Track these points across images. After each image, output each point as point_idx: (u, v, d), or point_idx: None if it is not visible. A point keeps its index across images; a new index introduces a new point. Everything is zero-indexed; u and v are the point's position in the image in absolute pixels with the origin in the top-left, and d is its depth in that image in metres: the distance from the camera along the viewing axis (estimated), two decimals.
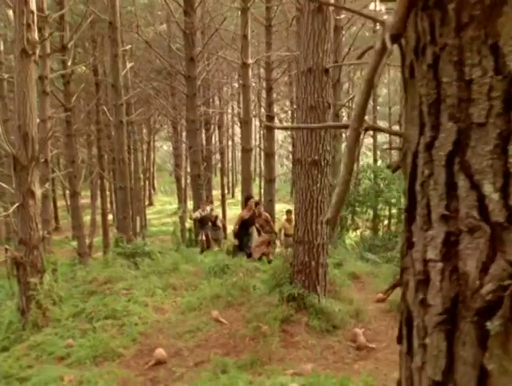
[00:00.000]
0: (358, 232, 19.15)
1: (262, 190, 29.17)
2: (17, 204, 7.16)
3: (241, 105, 14.54)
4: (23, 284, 7.29)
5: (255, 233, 10.86)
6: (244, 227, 10.45)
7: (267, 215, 11.30)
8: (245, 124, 13.21)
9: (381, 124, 34.74)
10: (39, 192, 7.75)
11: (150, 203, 43.39)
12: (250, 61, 12.46)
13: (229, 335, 6.08)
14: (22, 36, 6.65)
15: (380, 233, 20.71)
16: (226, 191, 38.70)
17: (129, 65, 14.88)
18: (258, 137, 52.93)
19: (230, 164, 51.05)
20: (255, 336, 5.95)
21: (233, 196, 46.69)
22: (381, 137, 36.56)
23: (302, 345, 5.64)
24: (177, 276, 8.85)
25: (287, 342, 5.67)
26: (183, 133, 37.99)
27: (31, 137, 6.95)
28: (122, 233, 12.78)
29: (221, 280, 8.14)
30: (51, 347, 6.14)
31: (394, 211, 21.10)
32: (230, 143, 47.25)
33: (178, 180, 32.34)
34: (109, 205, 32.25)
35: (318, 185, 6.25)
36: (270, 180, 18.20)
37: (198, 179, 17.56)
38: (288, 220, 11.54)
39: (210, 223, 12.88)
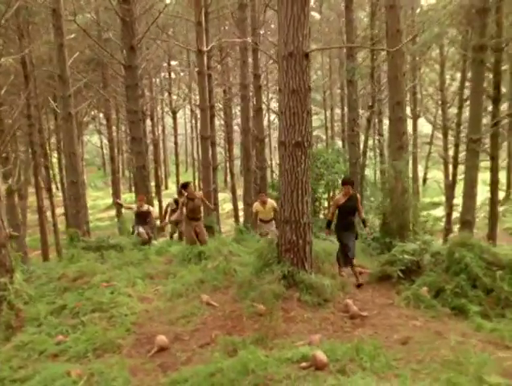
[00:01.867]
0: None
1: (201, 179, 29.16)
2: None
3: (198, 93, 14.43)
4: None
5: None
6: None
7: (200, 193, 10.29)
8: (203, 111, 13.17)
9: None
10: (2, 189, 7.42)
11: None
12: (205, 48, 12.43)
13: (224, 317, 6.19)
14: None
15: (321, 216, 21.44)
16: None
17: (75, 54, 14.26)
18: (189, 126, 52.57)
19: (163, 156, 50.27)
20: (251, 315, 6.10)
21: (166, 188, 46.18)
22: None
23: (299, 319, 5.87)
24: (150, 266, 8.81)
25: (284, 317, 5.87)
26: (121, 126, 37.15)
27: None
28: (76, 228, 12.40)
29: (200, 266, 8.21)
30: (41, 346, 5.95)
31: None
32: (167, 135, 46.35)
33: (114, 173, 31.52)
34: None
35: (302, 166, 6.47)
36: (213, 168, 18.33)
37: (143, 170, 17.32)
38: (262, 203, 10.84)
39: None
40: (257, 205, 11.09)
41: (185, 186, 9.44)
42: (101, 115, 38.53)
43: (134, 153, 17.57)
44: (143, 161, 17.26)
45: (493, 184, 18.13)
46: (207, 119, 13.48)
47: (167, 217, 12.62)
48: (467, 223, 13.02)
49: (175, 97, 38.48)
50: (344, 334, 5.46)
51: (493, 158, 18.27)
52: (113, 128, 30.12)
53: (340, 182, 20.43)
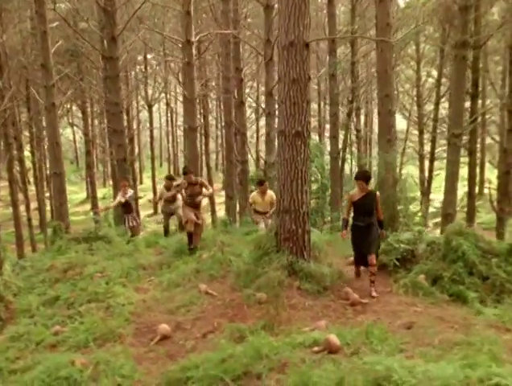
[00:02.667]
0: None
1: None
2: None
3: (185, 84, 14.28)
4: None
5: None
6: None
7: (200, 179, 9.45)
8: (190, 102, 13.06)
9: None
10: None
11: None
12: (194, 38, 12.32)
13: (224, 306, 6.18)
14: None
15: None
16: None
17: (58, 43, 13.94)
18: (163, 120, 52.10)
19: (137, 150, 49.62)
20: (252, 304, 6.11)
21: (141, 182, 45.67)
22: None
23: (300, 307, 5.90)
24: (142, 257, 8.71)
25: (286, 305, 5.90)
26: (95, 119, 36.48)
27: None
28: (60, 220, 12.18)
29: (194, 256, 8.17)
30: (38, 336, 5.84)
31: (314, 187, 22.00)
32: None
33: (89, 167, 31.04)
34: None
35: (302, 156, 6.49)
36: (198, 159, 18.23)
37: (124, 163, 17.08)
38: (262, 193, 10.00)
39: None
40: (255, 195, 10.28)
41: (184, 172, 8.96)
42: (75, 108, 37.92)
43: (114, 145, 17.31)
44: (124, 154, 16.97)
45: (471, 179, 18.59)
46: (195, 110, 13.39)
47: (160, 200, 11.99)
48: (449, 216, 13.30)
49: (150, 91, 38.10)
50: (347, 320, 5.51)
51: (471, 154, 18.73)
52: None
53: (320, 176, 20.66)
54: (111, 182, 29.40)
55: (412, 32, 21.16)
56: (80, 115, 34.39)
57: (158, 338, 5.52)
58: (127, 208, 11.67)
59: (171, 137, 49.72)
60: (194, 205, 8.88)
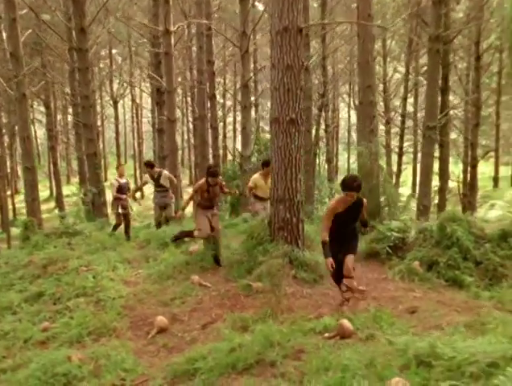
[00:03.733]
0: None
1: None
2: None
3: (164, 75, 13.97)
4: None
5: None
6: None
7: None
8: (169, 94, 12.76)
9: None
10: None
11: (16, 191, 39.86)
12: (173, 28, 12.03)
13: (220, 296, 6.03)
14: None
15: None
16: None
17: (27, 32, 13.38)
18: (128, 116, 51.13)
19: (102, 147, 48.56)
20: (248, 293, 5.99)
21: (105, 179, 44.72)
22: None
23: (299, 295, 5.82)
24: (124, 250, 8.46)
25: (284, 294, 5.81)
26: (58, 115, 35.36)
27: None
28: (32, 216, 11.72)
29: (180, 249, 7.98)
30: (26, 333, 5.54)
31: None
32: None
33: (54, 164, 30.19)
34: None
35: (296, 143, 6.40)
36: (163, 157, 17.91)
37: (94, 158, 16.65)
38: (265, 176, 8.52)
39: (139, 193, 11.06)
40: (256, 178, 8.78)
41: (212, 173, 7.16)
42: (36, 103, 36.73)
43: (84, 140, 16.88)
44: (94, 148, 16.58)
45: (442, 172, 18.94)
46: (174, 102, 13.10)
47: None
48: (424, 207, 13.50)
49: (116, 87, 37.37)
50: (348, 307, 5.46)
51: (442, 146, 19.07)
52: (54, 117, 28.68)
53: None
54: (77, 179, 28.61)
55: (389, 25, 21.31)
56: (42, 110, 33.38)
57: (155, 331, 5.32)
58: (121, 192, 10.15)
59: (136, 134, 48.85)
60: (211, 207, 7.44)
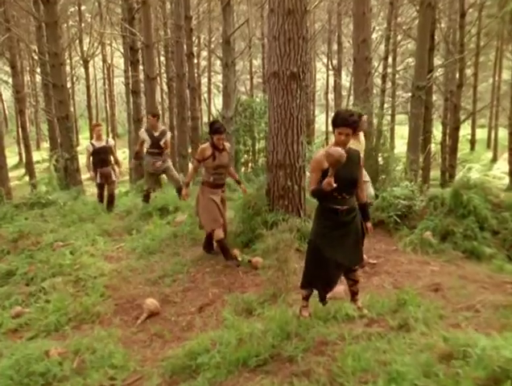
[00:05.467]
0: None
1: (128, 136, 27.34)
2: None
3: (142, 27, 12.89)
4: None
5: None
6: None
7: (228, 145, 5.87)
8: (147, 48, 11.75)
9: None
10: None
11: None
12: None
13: (216, 273, 5.41)
14: None
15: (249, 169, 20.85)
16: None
17: None
18: (100, 77, 49.10)
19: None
20: (247, 269, 5.40)
21: (77, 144, 43.15)
22: None
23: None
24: (103, 221, 7.70)
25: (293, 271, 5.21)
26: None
27: None
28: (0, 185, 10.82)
29: (166, 219, 7.29)
30: None
31: (264, 145, 21.27)
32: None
33: (23, 129, 28.66)
34: None
35: (297, 101, 5.69)
36: (138, 120, 16.94)
37: (66, 122, 15.59)
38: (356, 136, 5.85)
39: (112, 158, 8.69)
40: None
41: (217, 130, 5.51)
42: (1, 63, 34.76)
43: (55, 101, 15.74)
44: (66, 110, 15.47)
45: (426, 133, 18.50)
46: (152, 57, 12.12)
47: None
48: (412, 172, 13.03)
49: (86, 46, 35.54)
50: (361, 284, 4.90)
51: (427, 108, 18.57)
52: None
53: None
54: (47, 144, 27.31)
55: None
56: (7, 70, 31.55)
57: (145, 316, 4.70)
58: (99, 158, 8.46)
59: (108, 96, 47.04)
60: (219, 186, 5.75)
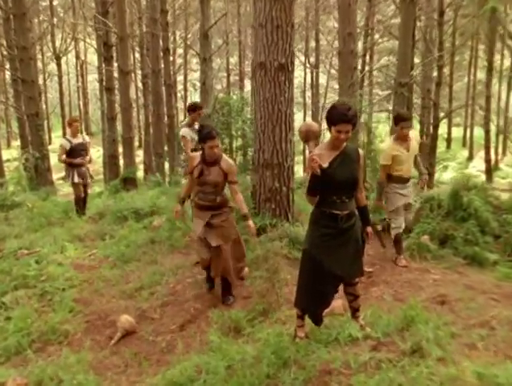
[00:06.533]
0: None
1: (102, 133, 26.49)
2: None
3: (116, 19, 12.23)
4: None
5: None
6: None
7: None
8: (122, 41, 11.11)
9: None
10: None
11: None
12: None
13: (198, 284, 4.91)
14: None
15: None
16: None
17: None
18: (73, 74, 47.88)
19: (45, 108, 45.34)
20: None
21: (49, 142, 41.97)
22: None
23: (295, 281, 4.72)
24: (75, 225, 7.12)
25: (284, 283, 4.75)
26: None
27: None
28: None
29: (143, 223, 6.76)
30: None
31: (239, 143, 20.83)
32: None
33: None
34: None
35: (286, 95, 5.24)
36: (112, 118, 16.27)
37: (37, 119, 14.85)
38: (402, 138, 5.09)
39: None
40: (392, 146, 5.11)
41: (208, 135, 4.23)
42: None
43: (24, 98, 14.96)
44: (36, 107, 14.74)
45: None
46: (127, 50, 11.51)
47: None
48: None
49: (59, 42, 34.45)
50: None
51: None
52: None
53: (248, 130, 19.53)
54: (18, 142, 26.30)
55: None
56: None
57: (119, 336, 4.18)
58: (74, 156, 7.67)
59: (81, 94, 45.86)
60: (207, 208, 4.43)
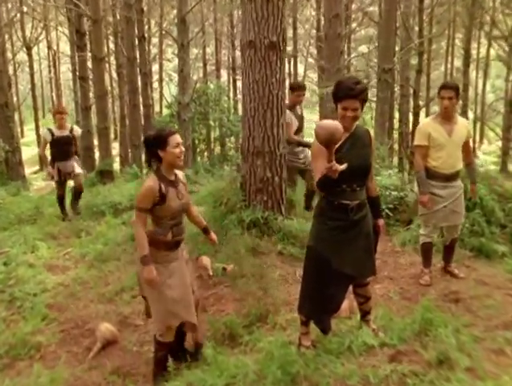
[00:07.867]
0: None
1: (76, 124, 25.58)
2: None
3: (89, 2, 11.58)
4: None
5: None
6: None
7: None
8: (95, 24, 10.47)
9: None
10: None
11: None
12: None
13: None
14: None
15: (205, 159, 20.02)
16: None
17: None
18: (45, 65, 46.51)
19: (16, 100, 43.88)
20: (222, 280, 4.49)
21: (22, 136, 40.70)
22: None
23: (291, 280, 4.38)
24: (48, 222, 6.60)
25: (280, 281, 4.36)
26: None
27: None
28: None
29: (120, 219, 6.28)
30: None
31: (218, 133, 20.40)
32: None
33: None
34: None
35: (277, 76, 4.80)
36: (86, 108, 15.62)
37: (6, 110, 14.17)
38: (446, 114, 4.05)
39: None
40: (429, 122, 4.16)
41: (169, 134, 3.06)
42: None
43: None
44: (5, 98, 14.11)
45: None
46: (101, 34, 10.90)
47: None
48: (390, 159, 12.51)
49: (28, 32, 33.25)
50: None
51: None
52: None
53: (227, 120, 19.09)
54: None
55: None
56: None
57: (99, 346, 3.72)
58: (59, 149, 6.92)
59: (54, 85, 44.52)
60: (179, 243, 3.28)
